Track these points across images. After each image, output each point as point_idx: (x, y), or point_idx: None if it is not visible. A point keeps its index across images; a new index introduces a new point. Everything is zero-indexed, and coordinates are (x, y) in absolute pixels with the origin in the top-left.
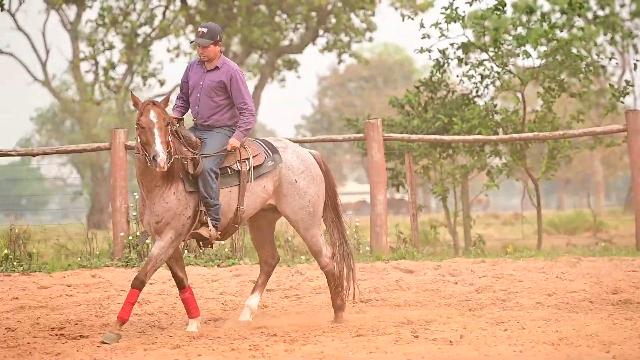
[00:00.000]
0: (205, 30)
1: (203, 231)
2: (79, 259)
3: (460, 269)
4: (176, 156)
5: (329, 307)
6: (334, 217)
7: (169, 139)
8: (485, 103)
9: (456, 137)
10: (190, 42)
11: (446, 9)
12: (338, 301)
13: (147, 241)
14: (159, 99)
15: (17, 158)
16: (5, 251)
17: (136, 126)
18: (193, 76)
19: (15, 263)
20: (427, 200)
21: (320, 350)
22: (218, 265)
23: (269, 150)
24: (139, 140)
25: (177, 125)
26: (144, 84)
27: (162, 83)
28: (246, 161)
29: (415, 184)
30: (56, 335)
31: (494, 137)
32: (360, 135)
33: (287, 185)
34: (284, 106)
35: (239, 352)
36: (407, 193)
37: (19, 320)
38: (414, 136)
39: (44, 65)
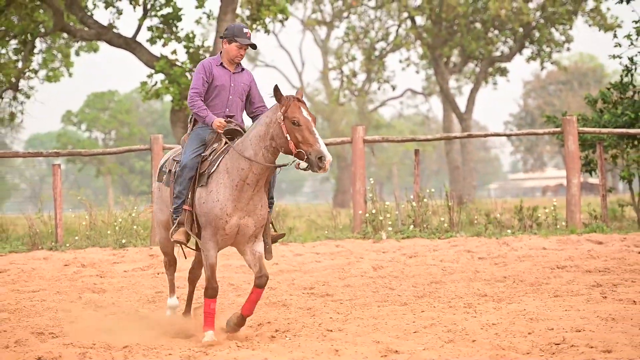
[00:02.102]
0: (250, 31)
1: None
2: (326, 232)
3: None
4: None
5: (532, 272)
6: None
7: None
8: None
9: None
10: (248, 46)
11: (636, 22)
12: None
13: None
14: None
15: None
16: None
17: (283, 121)
18: (219, 77)
19: None
20: (615, 183)
21: (523, 308)
22: (438, 238)
23: None
24: (288, 138)
25: None
26: (379, 89)
27: (394, 88)
28: None
29: (604, 169)
30: (307, 293)
31: None
32: (559, 129)
33: None
34: (494, 106)
35: (455, 309)
36: (598, 177)
37: (279, 281)
38: (604, 130)
39: (300, 75)
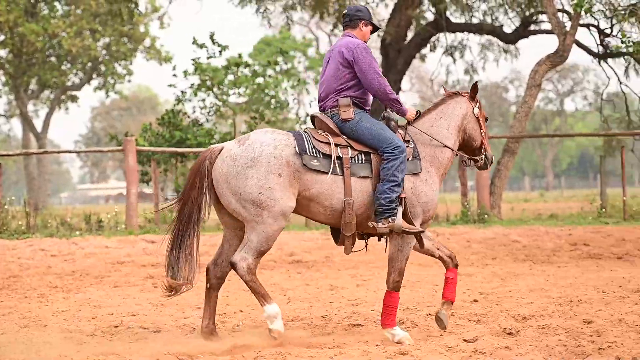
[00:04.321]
0: None
1: None
2: None
3: None
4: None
5: (97, 267)
6: None
7: None
8: (211, 127)
9: (187, 149)
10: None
11: (194, 60)
12: None
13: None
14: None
15: None
16: None
17: (480, 116)
18: None
19: None
20: (167, 192)
21: (89, 297)
22: (17, 239)
23: None
24: (482, 132)
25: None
26: None
27: None
28: None
29: (158, 181)
30: None
31: None
32: (120, 147)
33: None
34: (67, 127)
35: (30, 299)
36: (152, 187)
37: None
38: (158, 148)
39: None
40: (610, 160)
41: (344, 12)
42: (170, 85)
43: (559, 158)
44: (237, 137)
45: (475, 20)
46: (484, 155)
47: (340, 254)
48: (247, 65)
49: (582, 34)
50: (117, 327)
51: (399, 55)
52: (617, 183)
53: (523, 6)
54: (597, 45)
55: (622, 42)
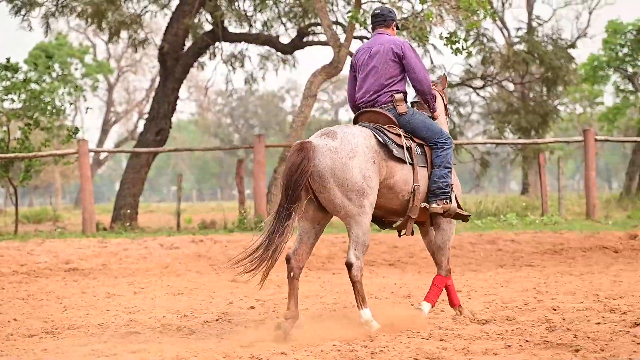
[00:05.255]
0: None
1: None
2: None
3: None
4: None
5: None
6: None
7: None
8: None
9: None
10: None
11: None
12: None
13: None
14: None
15: None
16: None
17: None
18: None
19: None
20: None
21: None
22: None
23: None
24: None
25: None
26: None
27: None
28: None
29: None
30: None
31: None
32: None
33: None
34: None
35: None
36: None
37: None
38: None
39: None
40: None
41: (376, 12)
42: None
43: None
44: (319, 133)
45: (255, 31)
46: None
47: (118, 261)
48: (16, 70)
49: (356, 46)
50: None
51: (177, 63)
52: None
53: (299, 17)
54: None
55: None
